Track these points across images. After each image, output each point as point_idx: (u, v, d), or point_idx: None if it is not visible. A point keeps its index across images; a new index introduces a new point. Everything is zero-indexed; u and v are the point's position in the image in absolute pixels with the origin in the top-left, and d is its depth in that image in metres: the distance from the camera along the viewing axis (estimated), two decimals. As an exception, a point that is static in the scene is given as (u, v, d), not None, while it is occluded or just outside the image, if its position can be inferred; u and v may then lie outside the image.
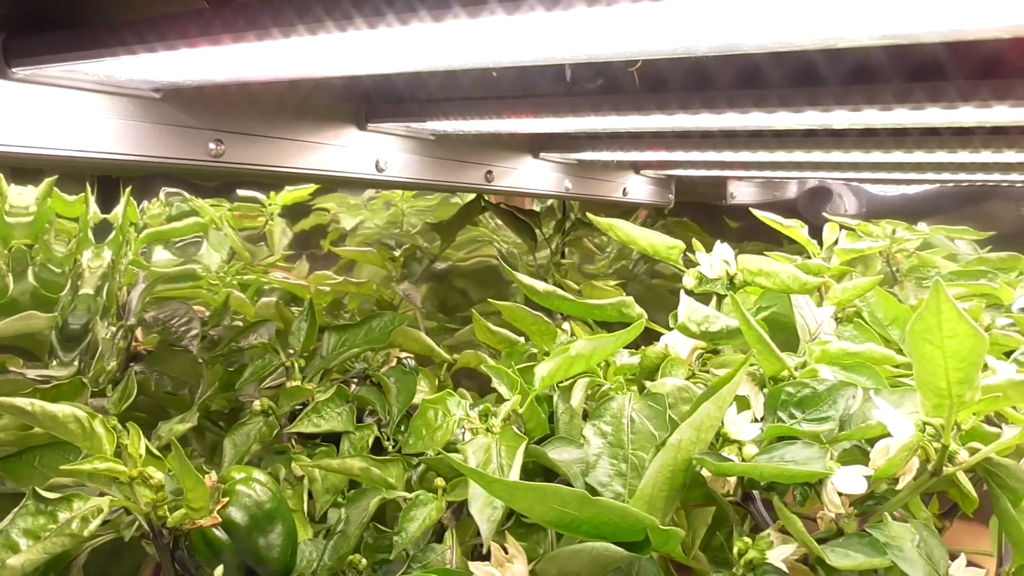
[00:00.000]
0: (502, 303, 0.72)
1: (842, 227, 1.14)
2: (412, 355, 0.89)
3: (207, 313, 0.99)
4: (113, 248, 0.83)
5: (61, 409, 0.47)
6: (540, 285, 0.68)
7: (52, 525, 0.44)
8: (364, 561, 0.62)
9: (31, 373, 0.78)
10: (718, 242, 0.70)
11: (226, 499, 0.52)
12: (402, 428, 0.82)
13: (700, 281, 0.68)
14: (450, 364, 0.96)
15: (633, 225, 0.71)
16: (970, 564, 0.51)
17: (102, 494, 0.53)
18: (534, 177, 0.89)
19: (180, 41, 0.39)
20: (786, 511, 0.47)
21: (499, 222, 1.32)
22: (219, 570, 0.49)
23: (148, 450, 0.53)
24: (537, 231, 1.29)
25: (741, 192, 1.50)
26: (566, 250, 1.31)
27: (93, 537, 0.45)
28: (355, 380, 0.85)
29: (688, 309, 0.61)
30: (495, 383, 0.61)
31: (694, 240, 0.72)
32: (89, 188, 0.74)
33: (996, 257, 1.25)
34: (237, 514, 0.52)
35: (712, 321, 0.61)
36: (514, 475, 0.49)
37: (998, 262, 1.24)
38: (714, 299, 0.68)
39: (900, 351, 0.85)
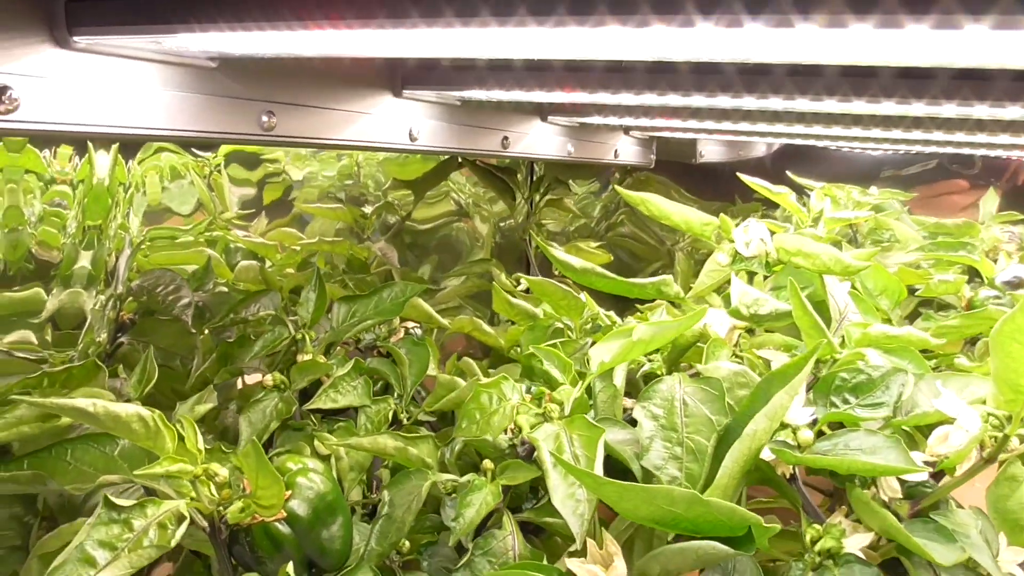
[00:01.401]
0: (531, 278, 0.71)
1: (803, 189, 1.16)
2: (418, 323, 0.87)
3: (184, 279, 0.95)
4: (101, 212, 0.77)
5: (124, 409, 0.44)
6: (576, 262, 0.67)
7: (128, 534, 0.41)
8: (408, 544, 0.61)
9: (21, 353, 0.73)
10: (752, 219, 0.70)
11: (288, 492, 0.50)
12: (415, 399, 0.80)
13: (734, 259, 0.68)
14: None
15: (666, 200, 0.70)
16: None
17: (147, 491, 0.50)
18: (542, 142, 0.87)
19: (244, 23, 0.36)
20: (869, 502, 0.48)
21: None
22: (289, 566, 0.47)
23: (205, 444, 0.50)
24: (515, 189, 1.27)
25: (709, 151, 1.51)
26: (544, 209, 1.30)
27: (178, 546, 0.42)
28: (362, 351, 0.83)
29: (740, 293, 0.61)
30: (546, 365, 0.60)
31: (721, 216, 0.72)
32: (91, 148, 0.68)
33: (952, 223, 1.30)
34: (300, 508, 0.50)
35: (762, 304, 0.61)
36: (598, 468, 0.48)
37: (954, 228, 1.29)
38: (744, 277, 0.68)
39: (890, 321, 0.88)
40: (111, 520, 0.41)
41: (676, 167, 1.50)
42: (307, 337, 0.77)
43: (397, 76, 0.63)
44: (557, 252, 0.67)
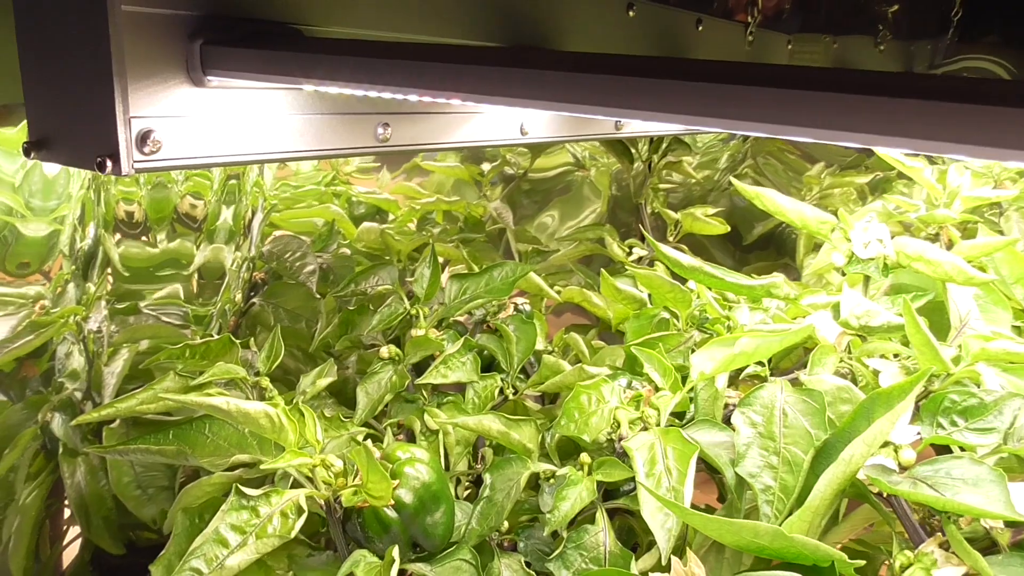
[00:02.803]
0: (640, 271, 0.72)
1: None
2: (527, 299, 0.89)
3: (308, 240, 1.00)
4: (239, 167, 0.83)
5: (253, 407, 0.48)
6: (686, 259, 0.67)
7: (255, 520, 0.46)
8: (506, 524, 0.65)
9: (167, 317, 0.80)
10: (871, 216, 0.68)
11: (396, 481, 0.54)
12: (522, 376, 0.83)
13: (850, 260, 0.66)
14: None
15: (781, 195, 0.69)
16: None
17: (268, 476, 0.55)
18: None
19: (361, 84, 0.38)
20: (963, 541, 0.47)
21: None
22: (395, 550, 0.52)
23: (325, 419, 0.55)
24: (633, 150, 1.26)
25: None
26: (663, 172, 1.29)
27: (297, 537, 0.47)
28: (472, 326, 0.86)
29: (851, 303, 0.60)
30: (647, 368, 0.61)
31: (840, 211, 0.70)
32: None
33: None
34: (407, 496, 0.54)
35: (873, 316, 0.60)
36: (688, 487, 0.50)
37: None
38: (862, 282, 0.66)
39: (1022, 312, 0.84)
40: (241, 506, 0.46)
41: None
42: (421, 313, 0.81)
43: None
44: (666, 249, 0.67)
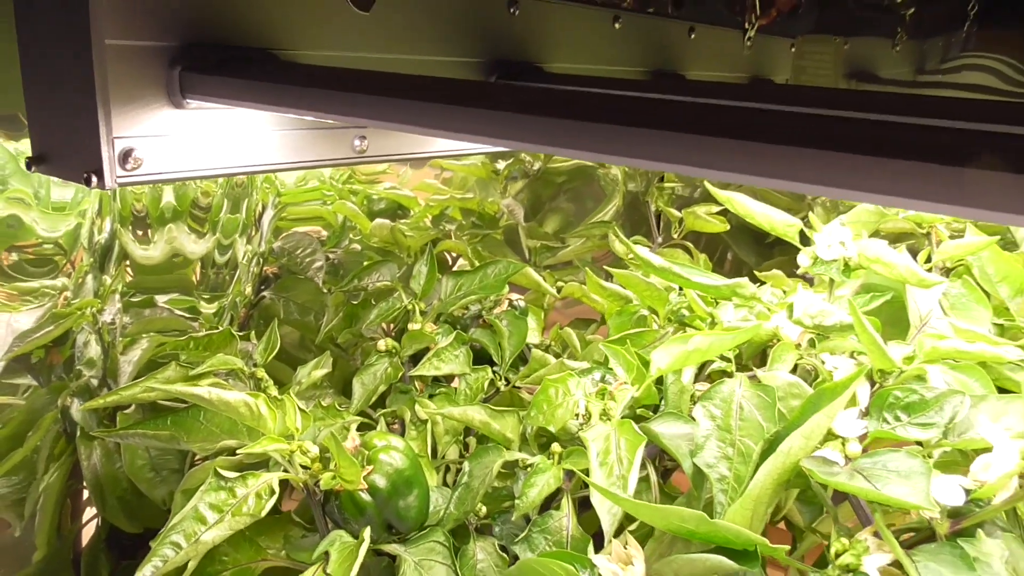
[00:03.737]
0: (618, 271, 0.75)
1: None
2: (522, 296, 0.93)
3: (325, 234, 1.05)
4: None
5: (234, 396, 0.53)
6: (656, 260, 0.70)
7: (232, 500, 0.51)
8: (484, 509, 0.69)
9: (177, 309, 0.86)
10: (836, 221, 0.70)
11: (371, 467, 0.59)
12: (513, 369, 0.87)
13: (815, 262, 0.69)
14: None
15: (751, 199, 0.72)
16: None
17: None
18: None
19: (331, 114, 0.42)
20: (885, 529, 0.50)
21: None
22: (367, 531, 0.56)
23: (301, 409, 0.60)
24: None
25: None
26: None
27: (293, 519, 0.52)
28: (468, 321, 0.90)
29: (804, 303, 0.63)
30: (612, 363, 0.65)
31: (811, 215, 0.73)
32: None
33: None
34: (380, 481, 0.59)
35: (826, 315, 0.63)
36: (634, 475, 0.54)
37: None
38: (828, 283, 0.69)
39: (1007, 310, 0.86)
40: (220, 487, 0.51)
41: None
42: (417, 308, 0.86)
43: (491, 80, 0.68)
44: (639, 250, 0.71)
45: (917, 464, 0.53)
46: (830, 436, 0.58)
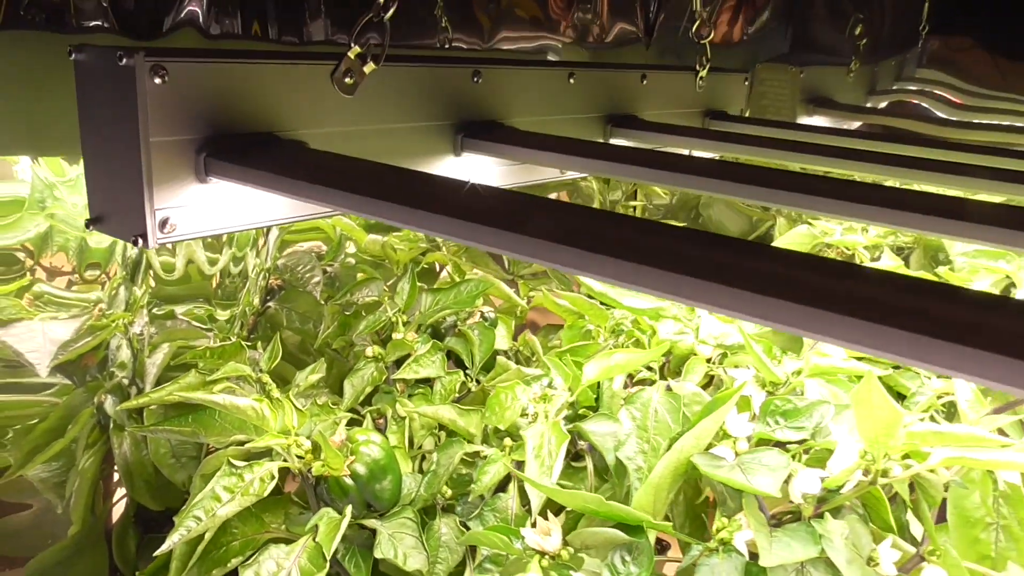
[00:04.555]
0: (567, 294, 0.89)
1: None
2: (493, 308, 1.07)
3: (324, 248, 1.20)
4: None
5: (242, 401, 0.67)
6: (597, 286, 0.84)
7: (241, 483, 0.65)
8: (450, 491, 0.83)
9: (194, 321, 1.00)
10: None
11: (352, 457, 0.73)
12: (483, 373, 1.01)
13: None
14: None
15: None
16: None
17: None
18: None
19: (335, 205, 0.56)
20: (753, 510, 0.64)
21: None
22: (349, 509, 0.70)
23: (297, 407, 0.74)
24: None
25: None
26: (637, 192, 1.45)
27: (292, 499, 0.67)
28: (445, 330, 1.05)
29: (709, 326, 0.77)
30: (552, 373, 0.79)
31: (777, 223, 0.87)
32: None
33: None
34: (360, 468, 0.73)
35: (727, 336, 0.77)
36: (558, 465, 0.68)
37: None
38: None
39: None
40: (231, 473, 0.66)
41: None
42: (400, 320, 1.00)
43: (458, 141, 0.82)
44: (583, 278, 0.85)
45: (783, 460, 0.67)
46: (725, 436, 0.72)
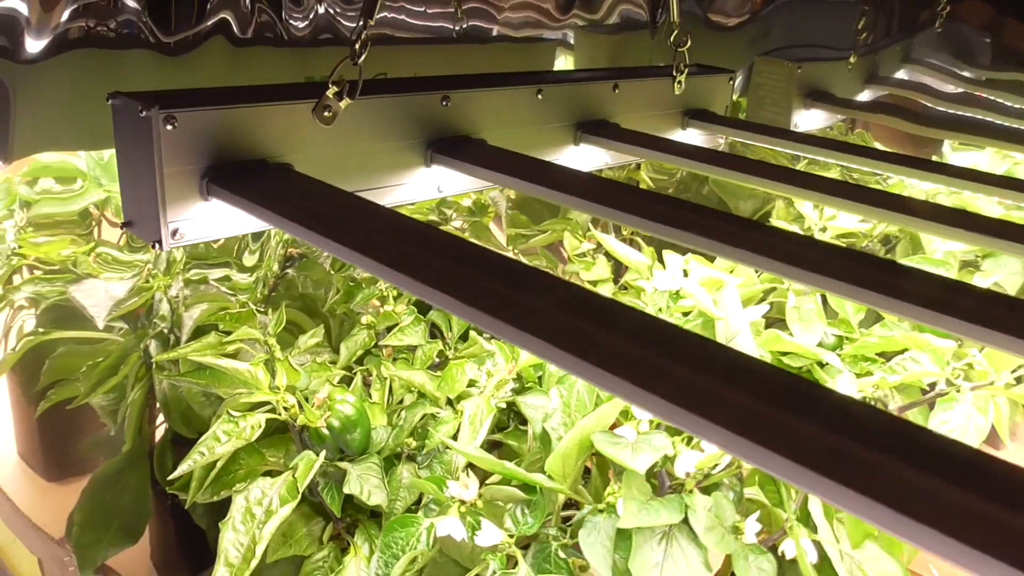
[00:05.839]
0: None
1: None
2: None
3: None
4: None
5: (240, 365, 0.86)
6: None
7: (236, 428, 0.84)
8: (414, 444, 1.02)
9: (217, 279, 1.19)
10: (680, 259, 0.99)
11: (328, 413, 0.91)
12: (462, 341, 1.18)
13: (655, 291, 0.98)
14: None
15: (611, 238, 1.00)
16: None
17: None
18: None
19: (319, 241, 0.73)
20: (635, 479, 0.81)
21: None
22: (323, 453, 0.89)
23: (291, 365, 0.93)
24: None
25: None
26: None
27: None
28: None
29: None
30: (496, 355, 0.96)
31: (665, 252, 1.01)
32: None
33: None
34: (335, 422, 0.91)
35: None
36: (482, 433, 0.85)
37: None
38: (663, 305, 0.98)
39: (848, 323, 1.12)
40: (230, 420, 0.85)
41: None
42: (390, 294, 1.17)
43: (428, 154, 0.97)
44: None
45: (667, 443, 0.83)
46: (631, 418, 0.88)
